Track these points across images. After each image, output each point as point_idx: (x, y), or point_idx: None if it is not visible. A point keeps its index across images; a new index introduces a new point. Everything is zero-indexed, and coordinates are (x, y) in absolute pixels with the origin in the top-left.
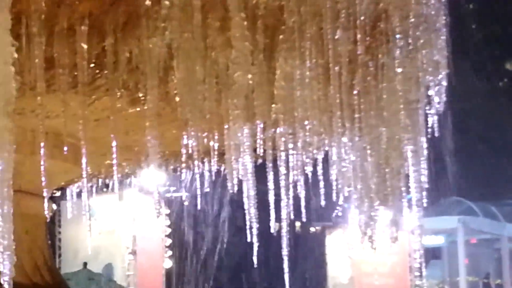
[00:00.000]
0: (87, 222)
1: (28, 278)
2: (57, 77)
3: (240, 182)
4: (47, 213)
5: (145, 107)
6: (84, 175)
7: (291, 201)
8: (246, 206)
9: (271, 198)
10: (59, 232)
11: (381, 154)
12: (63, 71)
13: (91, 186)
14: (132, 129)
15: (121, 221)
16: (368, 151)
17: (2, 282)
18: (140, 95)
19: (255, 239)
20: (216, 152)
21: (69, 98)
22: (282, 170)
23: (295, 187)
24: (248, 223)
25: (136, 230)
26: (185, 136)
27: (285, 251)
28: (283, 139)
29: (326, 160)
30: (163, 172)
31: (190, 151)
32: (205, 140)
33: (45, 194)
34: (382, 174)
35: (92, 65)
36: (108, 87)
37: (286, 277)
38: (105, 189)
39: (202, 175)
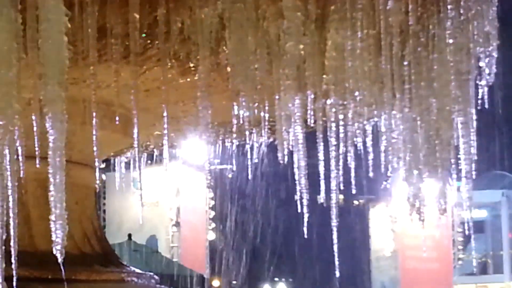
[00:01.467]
0: (138, 192)
1: (77, 247)
2: (109, 47)
3: (289, 153)
4: (97, 184)
5: (196, 78)
6: (136, 146)
7: (340, 172)
8: (296, 177)
9: (321, 169)
10: (104, 204)
11: (431, 125)
12: (115, 41)
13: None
14: (182, 100)
15: (165, 193)
16: (418, 122)
17: (54, 251)
18: (191, 65)
19: (305, 210)
20: (266, 123)
21: (120, 68)
22: (333, 141)
23: (343, 158)
24: (298, 194)
25: (180, 202)
26: (235, 107)
27: (334, 222)
28: (333, 109)
29: (372, 132)
30: (207, 144)
31: (240, 122)
32: (256, 111)
33: (96, 164)
34: (431, 146)
35: (143, 35)
36: (159, 57)
37: (335, 248)
38: (149, 161)
39: (248, 147)
